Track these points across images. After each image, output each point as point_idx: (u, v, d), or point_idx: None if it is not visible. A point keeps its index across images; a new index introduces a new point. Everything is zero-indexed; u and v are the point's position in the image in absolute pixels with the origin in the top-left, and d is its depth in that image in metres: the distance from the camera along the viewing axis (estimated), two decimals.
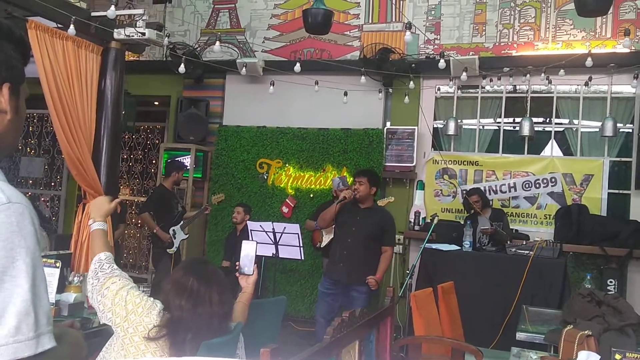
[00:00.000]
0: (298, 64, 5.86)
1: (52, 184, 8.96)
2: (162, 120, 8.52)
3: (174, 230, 5.93)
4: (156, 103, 8.55)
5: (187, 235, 6.16)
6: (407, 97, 6.46)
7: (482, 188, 6.44)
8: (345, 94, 6.40)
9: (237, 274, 2.71)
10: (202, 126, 7.38)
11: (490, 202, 6.14)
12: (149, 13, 7.20)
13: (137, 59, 7.21)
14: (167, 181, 6.19)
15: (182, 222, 6.03)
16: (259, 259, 5.56)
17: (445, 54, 6.00)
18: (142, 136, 8.72)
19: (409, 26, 4.19)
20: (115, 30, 4.49)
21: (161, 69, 7.51)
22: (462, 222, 5.93)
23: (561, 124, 6.53)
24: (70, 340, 1.24)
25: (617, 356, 2.01)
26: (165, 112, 8.35)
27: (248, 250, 2.68)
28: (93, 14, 4.52)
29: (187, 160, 7.29)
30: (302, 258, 5.20)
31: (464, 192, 6.45)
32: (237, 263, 2.72)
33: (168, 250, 5.88)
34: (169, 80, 7.55)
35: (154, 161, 8.56)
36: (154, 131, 8.69)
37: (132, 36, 4.42)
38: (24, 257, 0.83)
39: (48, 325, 0.85)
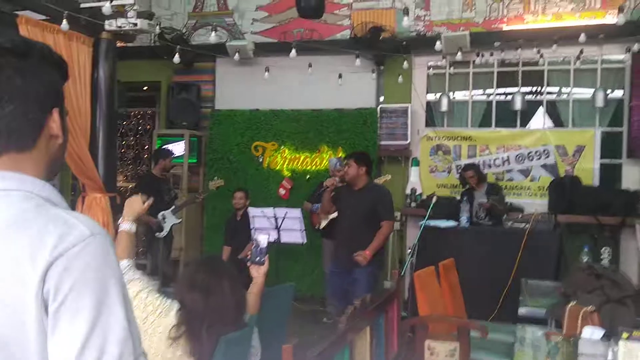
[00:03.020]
0: (294, 50, 5.84)
1: None
2: (151, 104, 8.46)
3: (163, 214, 5.96)
4: (145, 88, 8.47)
5: (180, 220, 6.20)
6: (400, 77, 6.47)
7: (477, 162, 6.52)
8: (340, 76, 6.40)
9: (248, 264, 2.74)
10: (194, 111, 7.36)
11: (485, 176, 6.22)
12: None
13: (125, 45, 7.11)
14: (155, 169, 6.24)
15: (173, 207, 6.06)
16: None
17: (435, 30, 6.00)
18: (133, 122, 8.67)
19: (406, 12, 4.19)
20: (106, 21, 4.44)
21: (149, 55, 7.43)
22: (459, 198, 6.01)
23: (552, 92, 6.59)
24: None
25: (624, 335, 2.10)
26: (154, 96, 8.29)
27: (260, 241, 2.71)
28: (82, 5, 4.45)
29: (181, 146, 7.28)
30: (305, 241, 5.27)
31: (459, 167, 6.52)
32: (247, 254, 2.75)
33: (157, 234, 5.93)
34: (158, 65, 7.48)
35: (146, 146, 8.53)
36: (145, 116, 8.63)
37: (124, 27, 4.38)
38: (115, 286, 0.88)
39: (140, 346, 0.91)
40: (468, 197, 5.84)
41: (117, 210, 5.49)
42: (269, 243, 2.73)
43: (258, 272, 2.71)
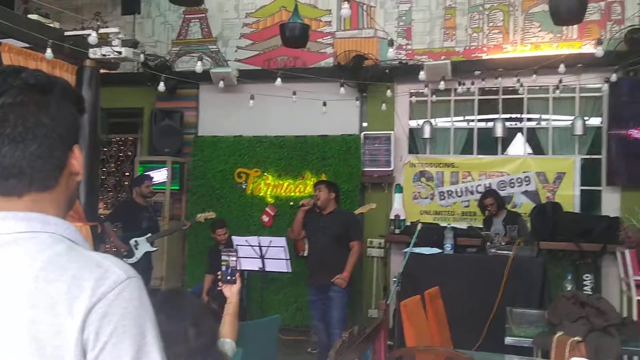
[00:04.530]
0: (279, 79, 5.87)
1: None
2: (134, 131, 8.41)
3: (136, 241, 5.90)
4: (127, 114, 8.43)
5: (156, 249, 6.12)
6: (383, 104, 6.54)
7: (460, 189, 6.59)
8: (324, 104, 6.45)
9: (220, 284, 2.65)
10: (177, 137, 7.33)
11: (505, 203, 6.13)
12: (118, 24, 7.12)
13: (108, 72, 7.10)
14: (135, 196, 6.22)
15: (149, 235, 5.98)
16: (242, 272, 5.56)
17: (417, 59, 6.09)
18: (115, 148, 8.59)
19: (391, 43, 4.25)
20: (90, 50, 4.42)
21: (133, 81, 7.42)
22: (445, 225, 6.00)
23: (532, 120, 6.71)
24: None
25: None
26: (137, 123, 8.25)
27: (229, 259, 2.64)
28: (66, 33, 4.44)
29: (163, 173, 7.22)
30: (290, 270, 5.24)
31: (442, 194, 6.56)
32: (218, 273, 2.66)
33: (126, 259, 5.84)
34: (141, 91, 7.47)
35: (127, 173, 8.45)
36: (127, 143, 8.57)
37: (109, 55, 4.37)
38: (152, 330, 0.86)
39: None
40: (487, 224, 5.83)
41: (98, 240, 5.42)
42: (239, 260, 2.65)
43: (231, 292, 2.61)
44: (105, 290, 0.83)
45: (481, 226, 5.96)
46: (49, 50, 3.97)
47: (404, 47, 6.86)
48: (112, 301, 0.83)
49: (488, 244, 5.50)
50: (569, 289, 4.23)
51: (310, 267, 5.16)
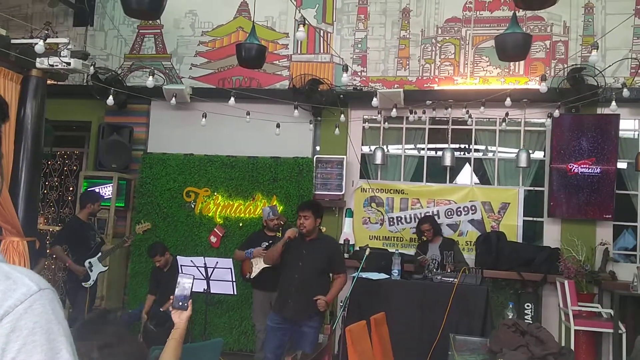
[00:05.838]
0: (232, 99, 5.84)
1: None
2: (80, 145, 8.16)
3: (90, 262, 5.71)
4: (74, 127, 8.19)
5: (107, 268, 5.96)
6: (337, 129, 6.59)
7: (409, 215, 6.67)
8: (278, 125, 6.44)
9: (170, 308, 2.60)
10: (125, 153, 7.16)
11: (441, 229, 6.25)
12: (69, 35, 6.96)
13: (56, 83, 6.88)
14: (82, 213, 6.02)
15: (100, 254, 5.80)
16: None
17: (371, 86, 6.19)
18: (59, 162, 8.31)
19: (346, 69, 4.30)
20: (37, 59, 4.28)
21: (81, 93, 7.23)
22: (393, 251, 6.05)
23: (479, 151, 6.90)
24: None
25: None
26: (83, 137, 8.02)
27: (184, 285, 2.57)
28: (13, 41, 4.28)
29: (108, 189, 7.02)
30: (235, 293, 5.14)
31: (392, 220, 6.61)
32: (170, 297, 2.60)
33: (83, 283, 5.65)
34: (90, 105, 7.27)
35: (71, 188, 8.18)
36: (72, 157, 8.31)
37: (57, 66, 4.23)
38: (65, 345, 0.80)
39: None
40: (422, 249, 5.90)
41: (36, 254, 5.17)
42: (195, 288, 2.59)
43: (180, 318, 2.55)
44: (14, 303, 0.76)
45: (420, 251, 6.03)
46: None
47: (359, 73, 6.97)
48: (21, 315, 0.76)
49: (430, 269, 5.59)
50: (510, 317, 4.31)
51: (281, 295, 4.67)
